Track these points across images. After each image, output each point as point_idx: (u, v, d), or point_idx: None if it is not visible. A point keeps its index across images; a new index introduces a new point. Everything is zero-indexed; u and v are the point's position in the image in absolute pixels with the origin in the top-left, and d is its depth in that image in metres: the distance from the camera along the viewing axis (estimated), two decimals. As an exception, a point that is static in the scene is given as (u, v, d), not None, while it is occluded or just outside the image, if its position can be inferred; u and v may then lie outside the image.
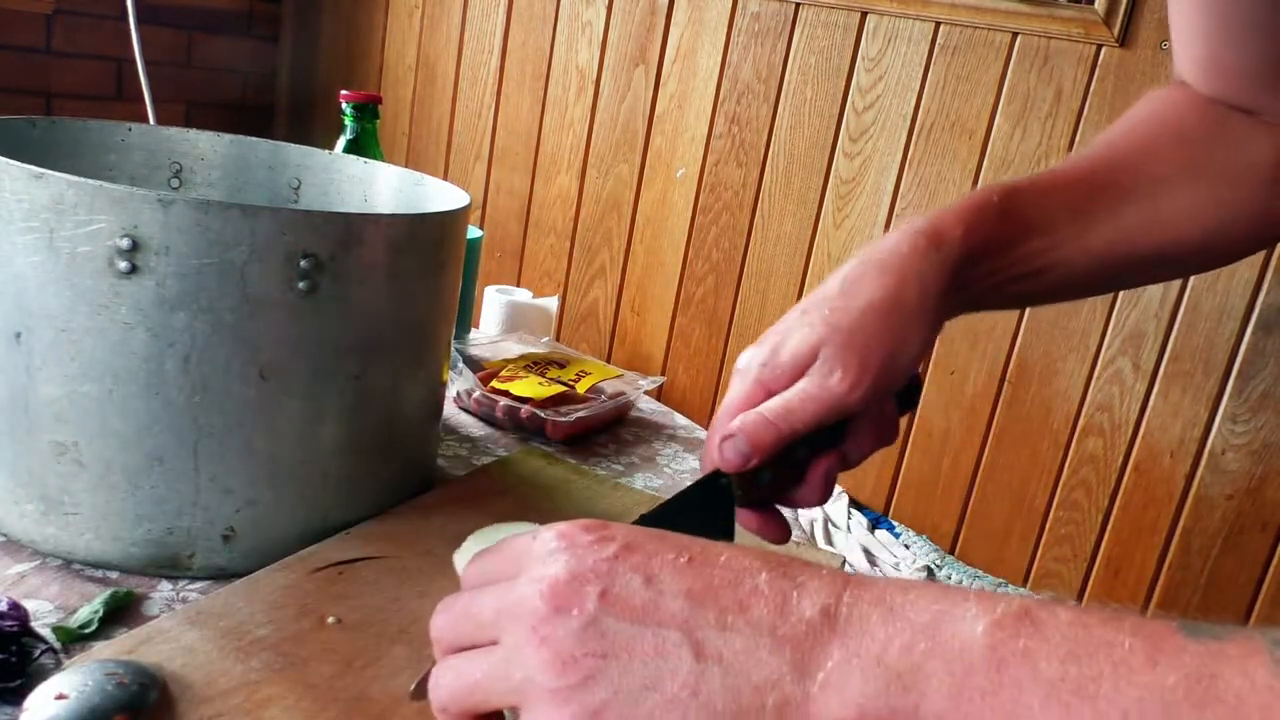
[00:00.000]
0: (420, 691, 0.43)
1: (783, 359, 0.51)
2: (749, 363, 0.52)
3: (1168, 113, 0.60)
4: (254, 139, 0.81)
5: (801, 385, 0.49)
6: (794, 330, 0.51)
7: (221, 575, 0.57)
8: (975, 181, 1.70)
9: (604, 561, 0.34)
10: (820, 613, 0.32)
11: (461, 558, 0.58)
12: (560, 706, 0.32)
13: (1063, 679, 0.28)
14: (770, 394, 0.50)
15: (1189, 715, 0.27)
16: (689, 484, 0.51)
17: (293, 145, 0.81)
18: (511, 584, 0.35)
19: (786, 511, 0.54)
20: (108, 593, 0.52)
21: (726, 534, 0.50)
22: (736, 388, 0.52)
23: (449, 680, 0.35)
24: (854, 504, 1.86)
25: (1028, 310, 1.66)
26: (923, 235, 0.52)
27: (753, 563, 0.34)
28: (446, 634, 0.37)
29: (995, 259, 0.53)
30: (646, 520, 0.48)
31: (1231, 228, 0.58)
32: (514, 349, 1.03)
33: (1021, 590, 1.70)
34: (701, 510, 0.51)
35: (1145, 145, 0.58)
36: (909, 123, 1.75)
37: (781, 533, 0.52)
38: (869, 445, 0.53)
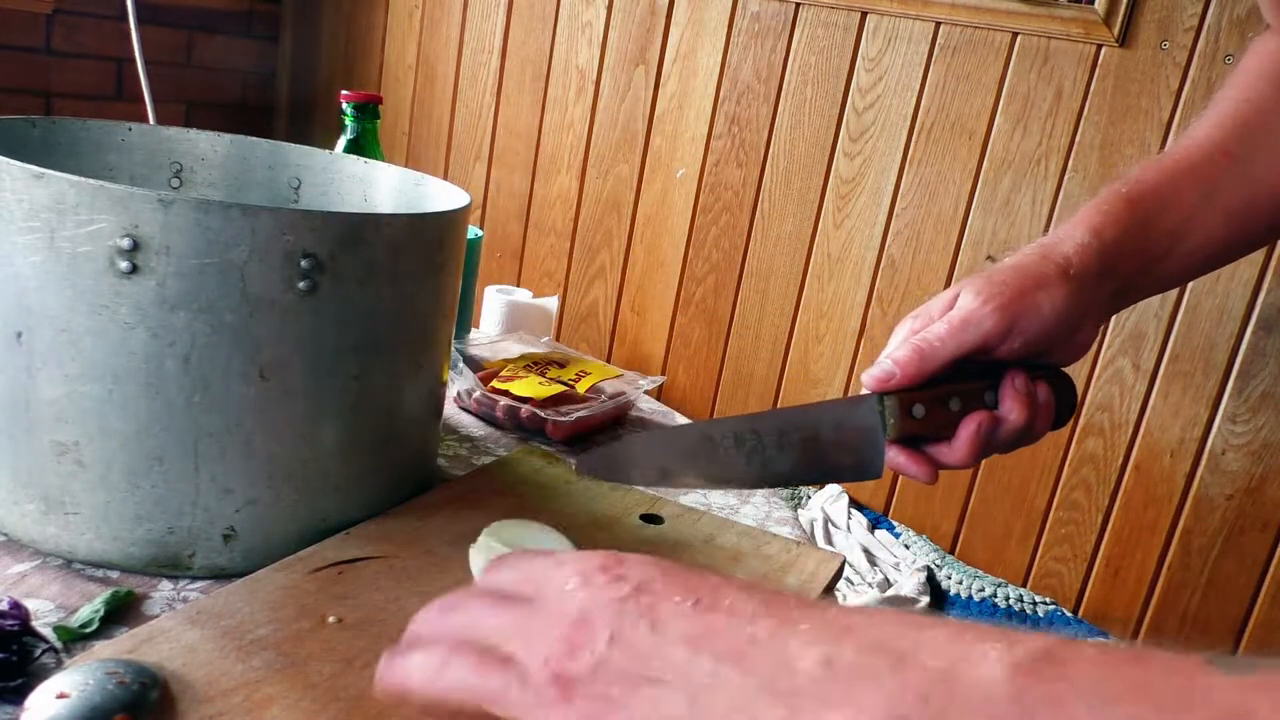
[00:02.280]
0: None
1: (933, 306, 0.57)
2: (906, 319, 0.58)
3: (1267, 68, 0.62)
4: (254, 139, 0.81)
5: (945, 315, 0.55)
6: (945, 293, 0.57)
7: (222, 575, 0.57)
8: (975, 181, 1.70)
9: (615, 603, 0.35)
10: (820, 663, 0.31)
11: (477, 553, 0.58)
12: None
13: None
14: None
15: None
16: (843, 398, 0.57)
17: (293, 145, 0.81)
18: (532, 609, 0.36)
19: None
20: (108, 592, 0.52)
21: (873, 461, 0.55)
22: (894, 339, 0.58)
23: (458, 672, 0.36)
24: (854, 504, 1.86)
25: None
26: (1064, 231, 0.58)
27: (756, 607, 0.33)
28: (447, 636, 0.37)
29: (1135, 242, 0.58)
30: (788, 413, 0.55)
31: None
32: (514, 349, 1.03)
33: (1022, 591, 1.70)
34: (842, 429, 0.55)
35: (1253, 100, 0.61)
36: (909, 123, 1.75)
37: (930, 473, 0.57)
38: (1020, 413, 0.56)
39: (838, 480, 0.52)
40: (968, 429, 0.55)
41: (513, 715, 0.35)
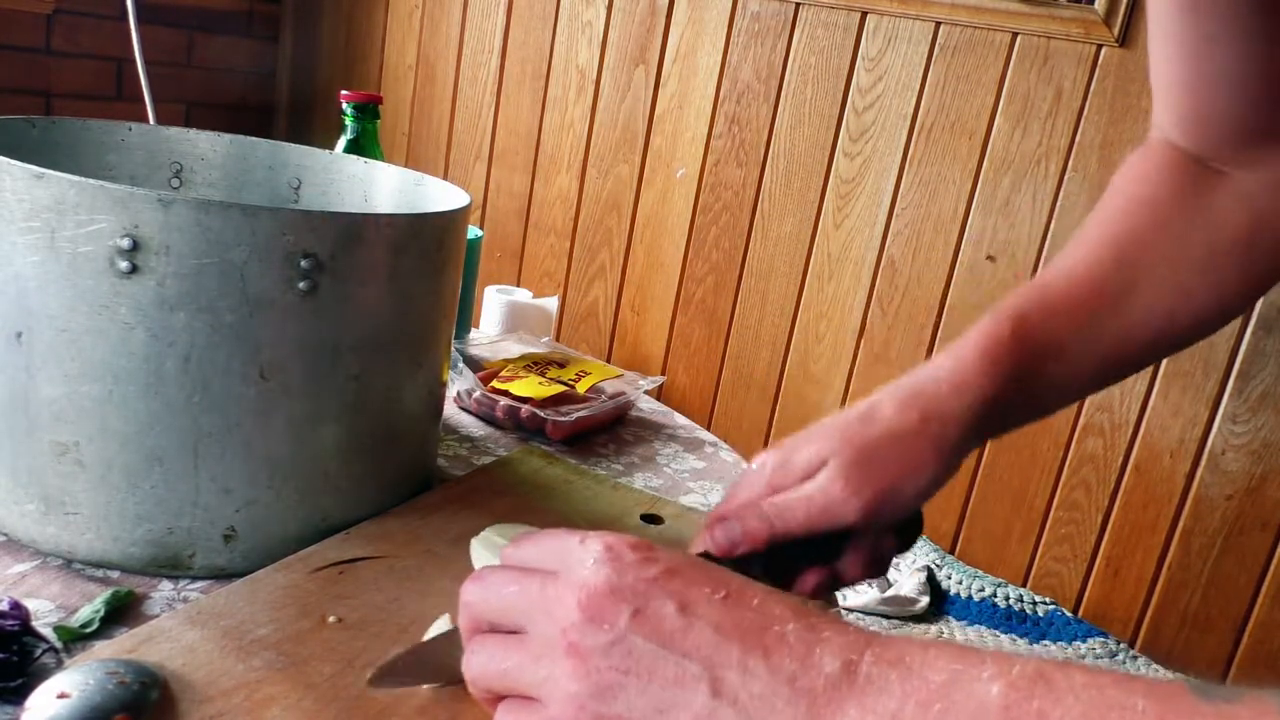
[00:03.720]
0: (378, 678, 0.45)
1: (795, 464, 0.52)
2: (763, 462, 0.54)
3: (1149, 193, 0.59)
4: (254, 139, 0.81)
5: (804, 488, 0.51)
6: (811, 441, 0.52)
7: (222, 575, 0.57)
8: (975, 182, 1.70)
9: (644, 581, 0.35)
10: (841, 668, 0.32)
11: (479, 546, 0.58)
12: (575, 711, 0.34)
13: None
14: (775, 493, 0.52)
15: None
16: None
17: (293, 145, 0.81)
18: (552, 580, 0.36)
19: None
20: (109, 592, 0.52)
21: None
22: (744, 481, 0.54)
23: (481, 661, 0.37)
24: (854, 504, 1.85)
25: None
26: (949, 381, 0.53)
27: (784, 610, 0.34)
28: (478, 606, 0.39)
29: (1014, 398, 0.54)
30: None
31: (1221, 299, 0.58)
32: (514, 349, 1.03)
33: (1022, 591, 1.70)
34: None
35: (1132, 237, 0.58)
36: (909, 123, 1.75)
37: None
38: (858, 571, 0.53)
39: None
40: (805, 584, 0.53)
41: (526, 689, 0.35)
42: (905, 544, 0.56)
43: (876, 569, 0.54)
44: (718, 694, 0.33)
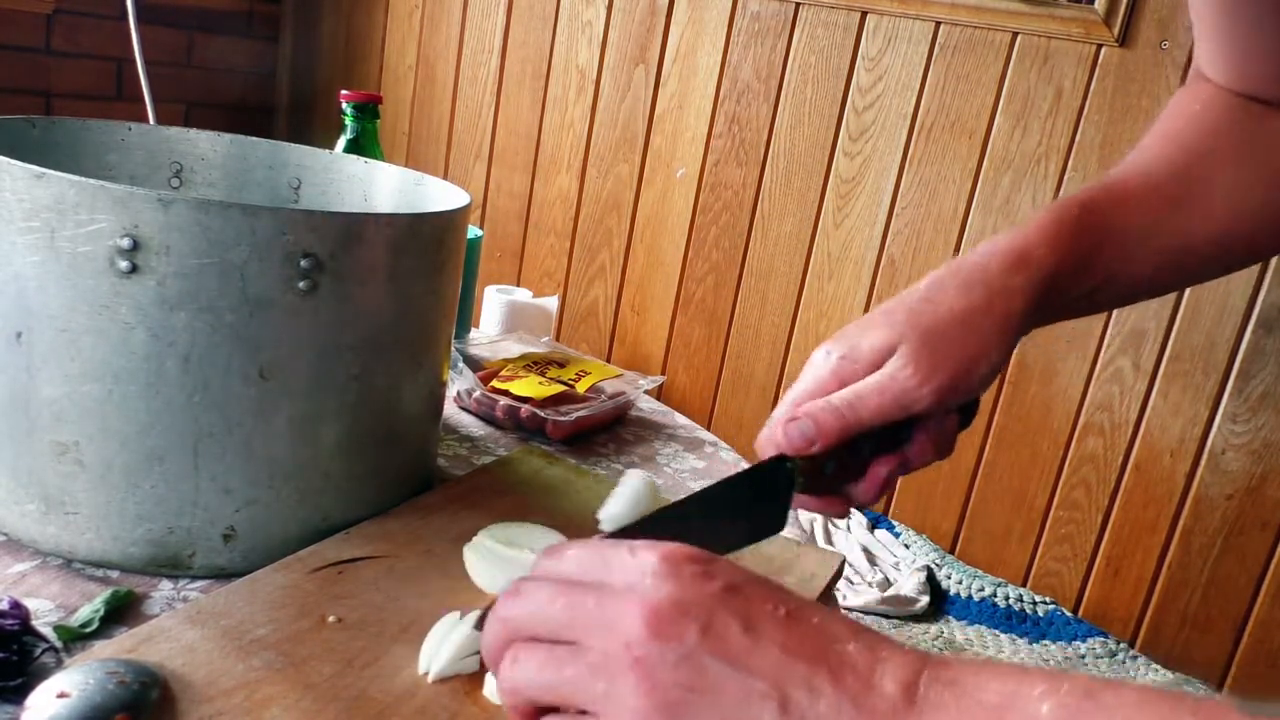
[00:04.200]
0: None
1: (861, 351, 0.51)
2: (827, 353, 0.52)
3: (1205, 115, 0.60)
4: (254, 139, 0.81)
5: (874, 378, 0.50)
6: (875, 327, 0.51)
7: (222, 575, 0.57)
8: (975, 181, 1.70)
9: (708, 597, 0.34)
10: (901, 689, 0.33)
11: (472, 553, 0.58)
12: None
13: None
14: (843, 385, 0.51)
15: None
16: (752, 466, 0.51)
17: (293, 145, 0.81)
18: (609, 594, 0.35)
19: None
20: (109, 592, 0.52)
21: (779, 517, 0.51)
22: (809, 375, 0.53)
23: (530, 671, 0.35)
24: (854, 503, 1.86)
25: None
26: (1011, 254, 0.53)
27: (843, 630, 0.35)
28: (521, 620, 0.36)
29: (1075, 276, 0.54)
30: (703, 496, 0.50)
31: (1274, 220, 0.59)
32: (514, 349, 1.03)
33: (1022, 591, 1.70)
34: (757, 490, 0.51)
35: (1192, 147, 0.59)
36: (909, 122, 1.75)
37: (843, 509, 0.54)
38: (929, 454, 0.53)
39: (736, 547, 0.50)
40: (877, 473, 0.52)
41: (582, 704, 0.34)
42: (966, 421, 0.56)
43: (944, 451, 0.54)
44: (785, 712, 0.33)
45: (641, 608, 0.34)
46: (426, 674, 0.48)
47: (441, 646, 0.49)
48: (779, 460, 0.50)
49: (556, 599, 0.36)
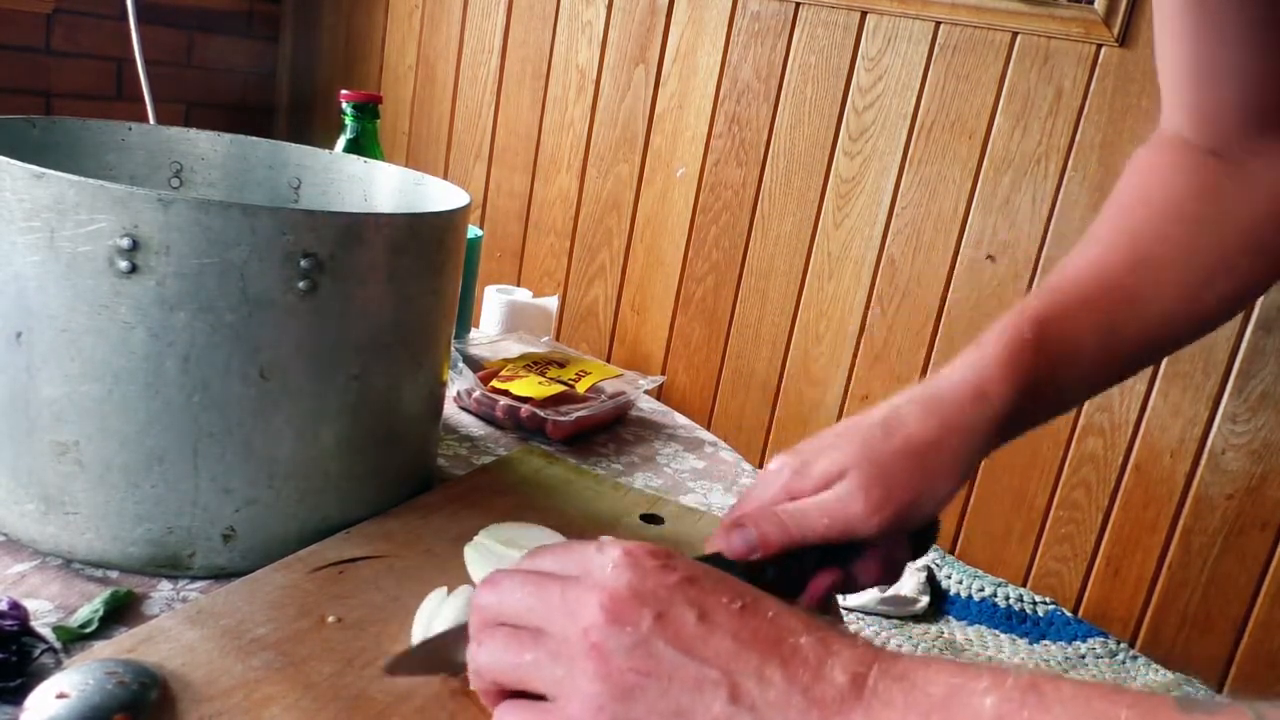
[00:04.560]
0: (394, 667, 0.46)
1: (813, 472, 0.51)
2: (780, 466, 0.53)
3: (1160, 187, 0.59)
4: (254, 139, 0.81)
5: (821, 498, 0.50)
6: (829, 450, 0.52)
7: (222, 575, 0.57)
8: (975, 181, 1.70)
9: (665, 588, 0.36)
10: (850, 681, 0.34)
11: (473, 551, 0.59)
12: (595, 712, 0.35)
13: None
14: (792, 500, 0.51)
15: None
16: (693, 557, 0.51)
17: (293, 145, 0.81)
18: (573, 584, 0.37)
19: None
20: (108, 592, 0.52)
21: None
22: (760, 484, 0.54)
23: (493, 652, 0.38)
24: (854, 503, 1.85)
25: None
26: (967, 388, 0.53)
27: (797, 623, 0.36)
28: (494, 608, 0.39)
29: (1032, 403, 0.54)
30: None
31: (1238, 290, 0.58)
32: (514, 348, 1.03)
33: (1022, 590, 1.70)
34: None
35: (1147, 232, 0.58)
36: (909, 122, 1.75)
37: None
38: (872, 578, 0.53)
39: None
40: (818, 586, 0.52)
41: (542, 687, 0.36)
42: (919, 550, 0.56)
43: (890, 576, 0.53)
44: (736, 700, 0.34)
45: (600, 595, 0.36)
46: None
47: (432, 623, 0.49)
48: (720, 559, 0.50)
49: (525, 588, 0.38)
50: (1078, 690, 0.31)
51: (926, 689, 0.33)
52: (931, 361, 1.78)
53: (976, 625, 1.64)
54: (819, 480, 0.51)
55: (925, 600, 1.65)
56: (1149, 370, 1.59)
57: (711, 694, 0.34)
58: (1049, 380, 0.54)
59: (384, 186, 0.79)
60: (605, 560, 0.37)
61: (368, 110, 0.95)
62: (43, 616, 0.51)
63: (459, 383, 0.88)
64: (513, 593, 0.39)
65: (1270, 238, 0.57)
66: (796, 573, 0.52)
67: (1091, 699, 0.31)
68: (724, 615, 0.35)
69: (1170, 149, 0.60)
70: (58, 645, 0.48)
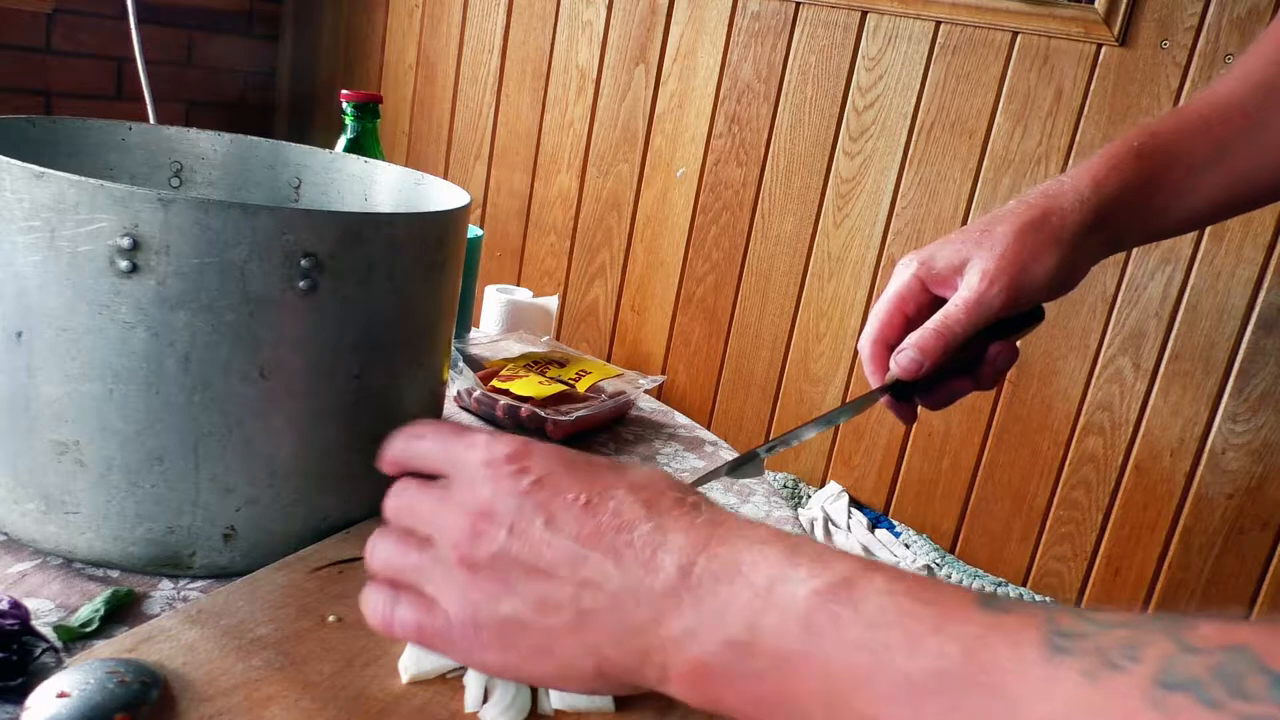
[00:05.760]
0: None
1: (939, 261, 0.60)
2: (909, 262, 0.62)
3: None
4: (254, 138, 0.81)
5: (958, 297, 0.59)
6: (945, 245, 0.61)
7: (222, 574, 0.57)
8: (975, 181, 1.70)
9: (516, 496, 0.39)
10: (678, 571, 0.36)
11: None
12: (471, 611, 0.38)
13: (860, 645, 0.31)
14: (925, 288, 0.61)
15: (958, 682, 0.29)
16: (876, 388, 0.62)
17: (293, 144, 0.81)
18: (446, 499, 0.41)
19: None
20: (109, 591, 0.52)
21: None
22: (894, 283, 0.62)
23: (386, 551, 0.42)
24: (854, 503, 1.86)
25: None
26: (1069, 179, 0.60)
27: (636, 514, 0.38)
28: (391, 515, 0.43)
29: (1139, 194, 0.60)
30: (856, 402, 0.62)
31: None
32: (514, 348, 1.03)
33: (1022, 590, 1.70)
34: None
35: (1275, 61, 0.62)
36: (909, 122, 1.75)
37: (910, 417, 0.64)
38: (992, 382, 0.63)
39: None
40: (949, 390, 0.62)
41: (424, 587, 0.40)
42: (1031, 321, 0.64)
43: (1004, 370, 0.63)
44: (579, 600, 0.37)
45: (465, 510, 0.39)
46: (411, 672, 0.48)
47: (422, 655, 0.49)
48: (898, 384, 0.60)
49: (415, 495, 0.42)
50: (890, 584, 0.32)
51: (750, 576, 0.34)
52: (931, 361, 1.78)
53: (976, 625, 1.64)
54: (945, 269, 0.60)
55: (925, 600, 1.65)
56: (1149, 370, 1.59)
57: (562, 594, 0.37)
58: (1155, 179, 0.60)
59: (384, 186, 0.79)
60: (472, 466, 0.40)
61: (368, 110, 0.95)
62: (43, 616, 0.51)
63: (459, 383, 0.88)
64: (404, 497, 0.42)
65: None
66: (934, 379, 0.61)
67: (898, 594, 0.32)
68: (568, 516, 0.38)
69: None
70: (59, 644, 0.48)
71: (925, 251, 0.61)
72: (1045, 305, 0.63)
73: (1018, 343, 0.64)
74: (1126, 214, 0.60)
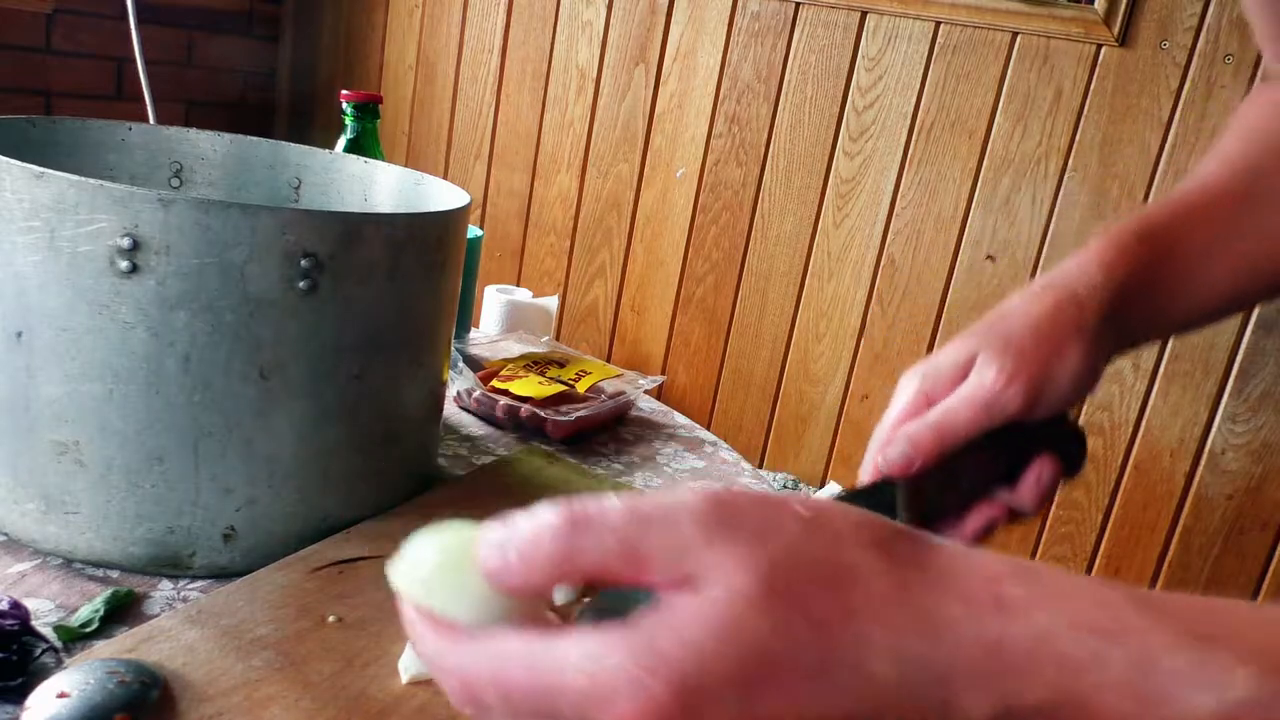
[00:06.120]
0: None
1: (943, 366, 0.52)
2: (911, 374, 0.54)
3: (1274, 119, 0.60)
4: (254, 138, 0.81)
5: (962, 389, 0.51)
6: (953, 345, 0.53)
7: (222, 574, 0.57)
8: (975, 181, 1.70)
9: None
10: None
11: (400, 565, 0.55)
12: None
13: None
14: (930, 401, 0.52)
15: None
16: (853, 490, 0.51)
17: (293, 145, 0.81)
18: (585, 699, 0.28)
19: None
20: (109, 591, 0.52)
21: None
22: (897, 400, 0.54)
23: None
24: (854, 503, 1.85)
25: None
26: (1074, 267, 0.54)
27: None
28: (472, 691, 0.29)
29: (1143, 289, 0.54)
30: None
31: None
32: (514, 348, 1.03)
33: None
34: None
35: (1264, 142, 0.59)
36: (909, 122, 1.75)
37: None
38: (1033, 506, 0.53)
39: None
40: (975, 523, 0.52)
41: None
42: (1071, 464, 0.55)
43: (1050, 490, 0.53)
44: None
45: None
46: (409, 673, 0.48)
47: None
48: (882, 484, 0.50)
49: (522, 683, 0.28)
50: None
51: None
52: (931, 361, 1.78)
53: (976, 625, 1.64)
54: (950, 372, 0.52)
55: (925, 600, 1.65)
56: (1149, 370, 1.59)
57: None
58: (1158, 269, 0.55)
59: (384, 186, 0.79)
60: (627, 675, 0.27)
61: (368, 110, 0.95)
62: (43, 616, 0.51)
63: (459, 383, 0.88)
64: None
65: None
66: (954, 499, 0.52)
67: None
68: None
69: (1273, 89, 0.62)
70: (58, 645, 0.48)
71: (927, 361, 0.53)
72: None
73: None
74: (1138, 302, 0.54)
